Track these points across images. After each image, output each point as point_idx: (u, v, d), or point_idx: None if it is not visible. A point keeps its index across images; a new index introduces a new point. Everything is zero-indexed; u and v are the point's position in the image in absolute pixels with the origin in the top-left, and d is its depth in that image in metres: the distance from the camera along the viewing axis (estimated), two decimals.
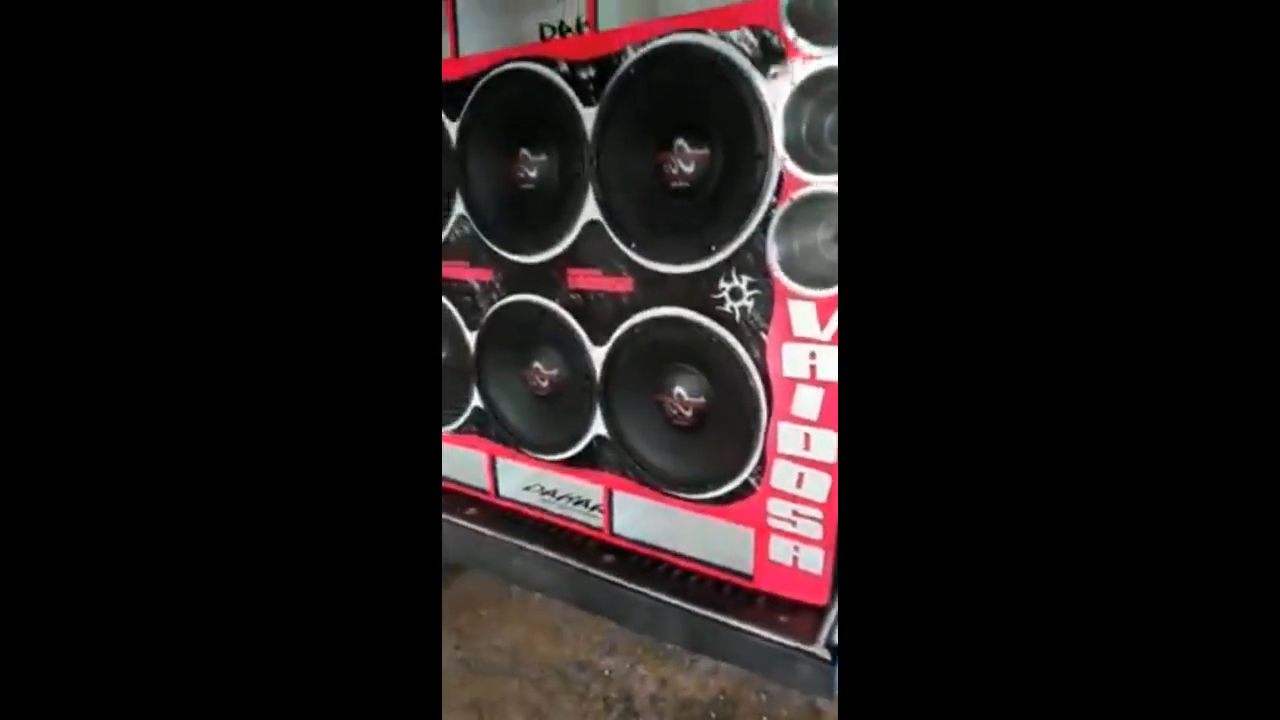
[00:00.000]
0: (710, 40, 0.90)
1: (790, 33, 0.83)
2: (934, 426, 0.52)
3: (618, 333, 1.11)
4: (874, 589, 0.54)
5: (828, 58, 0.83)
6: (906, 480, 0.53)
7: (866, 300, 0.53)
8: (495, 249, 1.23)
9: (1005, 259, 0.50)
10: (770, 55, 0.86)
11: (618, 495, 1.24)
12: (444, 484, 1.51)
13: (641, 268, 1.06)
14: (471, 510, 1.43)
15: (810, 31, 0.83)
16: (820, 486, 0.99)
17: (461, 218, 1.26)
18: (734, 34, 0.88)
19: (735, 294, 0.98)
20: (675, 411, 1.12)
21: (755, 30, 0.87)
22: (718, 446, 1.07)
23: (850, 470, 0.54)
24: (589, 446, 1.23)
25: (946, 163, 0.50)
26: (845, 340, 0.55)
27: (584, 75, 1.03)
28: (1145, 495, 0.48)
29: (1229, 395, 0.47)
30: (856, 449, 0.55)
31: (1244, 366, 0.47)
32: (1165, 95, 0.47)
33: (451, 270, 1.31)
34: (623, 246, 1.06)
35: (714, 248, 0.97)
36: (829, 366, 0.93)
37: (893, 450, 0.53)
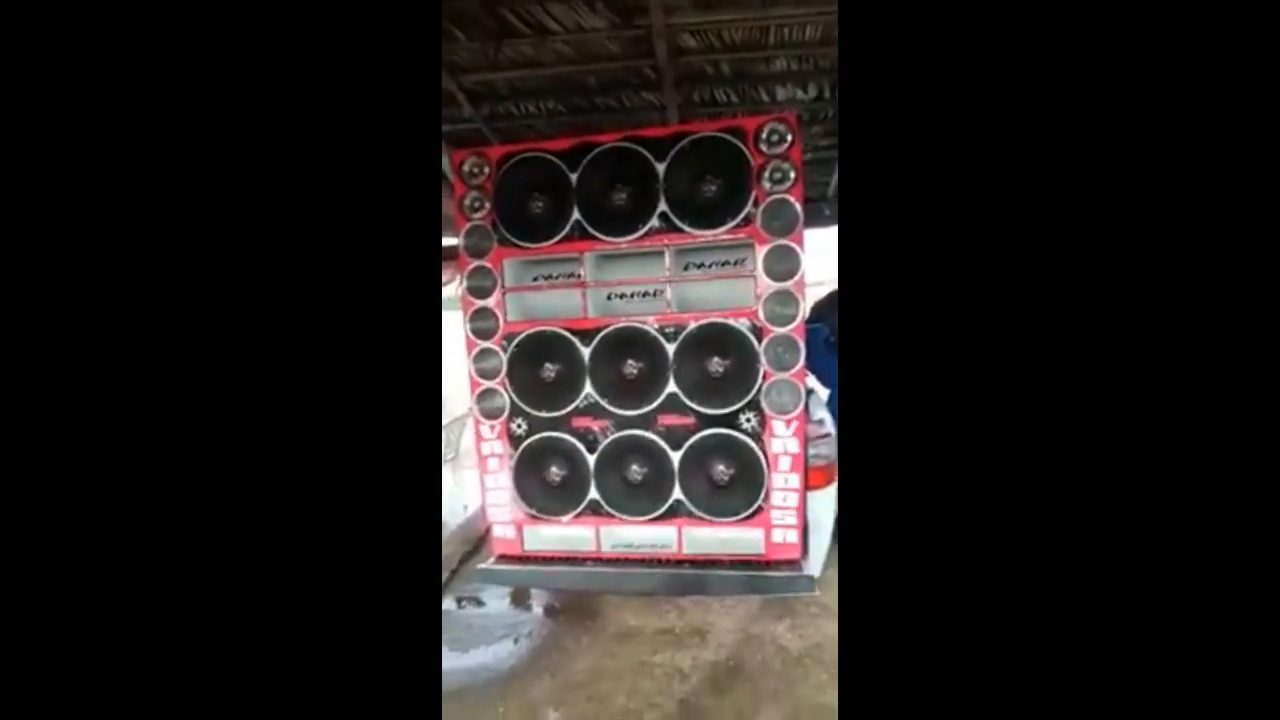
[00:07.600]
0: (733, 322, 2.25)
1: (762, 317, 2.22)
2: (927, 426, 0.53)
3: (688, 443, 2.31)
4: (870, 569, 0.57)
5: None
6: (901, 476, 0.53)
7: (864, 302, 0.54)
8: (611, 409, 2.36)
9: (999, 264, 0.49)
10: (757, 331, 2.23)
11: (685, 529, 2.38)
12: (568, 553, 2.46)
13: (700, 412, 2.30)
14: (589, 563, 2.42)
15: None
16: (793, 502, 2.27)
17: (588, 395, 2.38)
18: (744, 321, 2.24)
19: (748, 420, 2.27)
20: (719, 478, 2.34)
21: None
22: (743, 492, 2.31)
23: (850, 468, 0.60)
24: (670, 507, 2.36)
25: (942, 169, 0.50)
26: (845, 341, 0.58)
27: (668, 330, 2.30)
28: (1132, 488, 0.48)
29: (1213, 397, 0.46)
30: (856, 447, 0.57)
31: (1222, 369, 0.45)
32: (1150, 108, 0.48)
33: (580, 422, 2.39)
34: (690, 403, 2.30)
35: (736, 400, 2.26)
36: (794, 448, 2.25)
37: (888, 448, 0.54)
